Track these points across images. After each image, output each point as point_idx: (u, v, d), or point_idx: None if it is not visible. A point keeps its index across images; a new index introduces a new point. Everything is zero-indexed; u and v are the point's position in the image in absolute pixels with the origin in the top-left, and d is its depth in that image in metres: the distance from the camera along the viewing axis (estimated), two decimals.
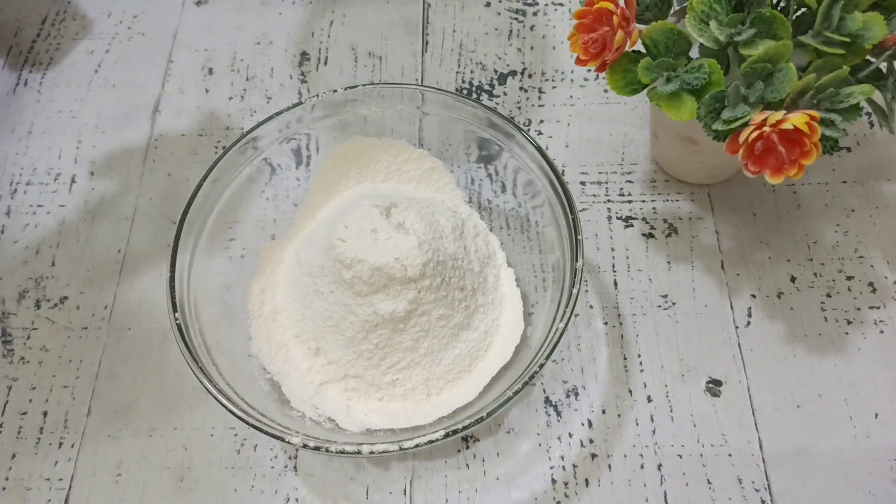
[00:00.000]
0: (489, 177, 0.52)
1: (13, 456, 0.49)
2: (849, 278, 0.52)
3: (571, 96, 0.62)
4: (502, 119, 0.50)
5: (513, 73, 0.63)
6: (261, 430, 0.42)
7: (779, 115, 0.40)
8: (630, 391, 0.50)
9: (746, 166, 0.41)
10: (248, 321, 0.51)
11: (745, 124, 0.41)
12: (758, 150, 0.41)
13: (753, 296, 0.52)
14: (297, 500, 0.47)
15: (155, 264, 0.55)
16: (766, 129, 0.40)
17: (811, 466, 0.46)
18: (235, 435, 0.49)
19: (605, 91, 0.62)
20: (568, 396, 0.50)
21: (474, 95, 0.62)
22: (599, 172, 0.58)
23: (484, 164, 0.48)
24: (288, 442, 0.41)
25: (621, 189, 0.57)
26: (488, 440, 0.49)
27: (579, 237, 0.44)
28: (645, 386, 0.50)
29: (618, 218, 0.56)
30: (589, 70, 0.63)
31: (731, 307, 0.52)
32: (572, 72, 0.63)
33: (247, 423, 0.42)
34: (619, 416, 0.49)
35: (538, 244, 0.47)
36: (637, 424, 0.48)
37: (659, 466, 0.47)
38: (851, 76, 0.42)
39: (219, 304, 0.50)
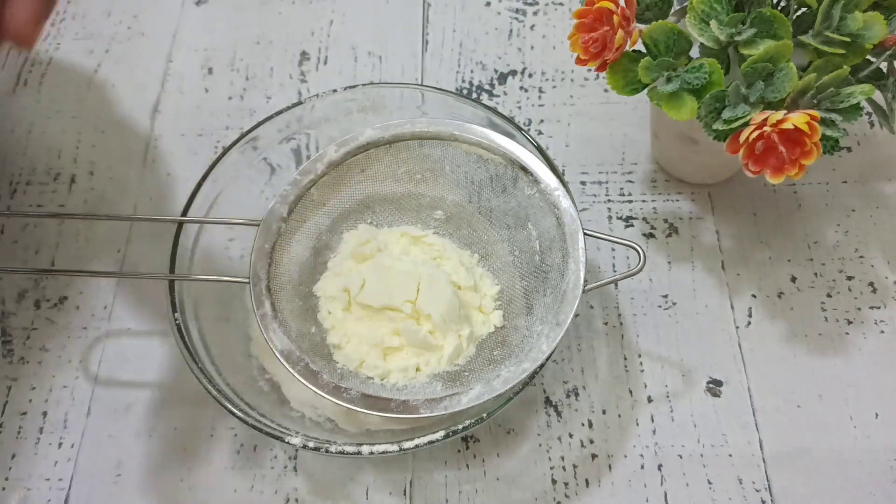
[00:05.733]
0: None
1: (13, 456, 0.49)
2: (849, 278, 0.52)
3: (572, 96, 0.62)
4: (502, 119, 0.50)
5: (513, 72, 0.63)
6: (260, 431, 0.42)
7: (779, 114, 0.40)
8: (630, 391, 0.49)
9: (747, 166, 0.41)
10: (248, 321, 0.51)
11: (746, 124, 0.41)
12: (758, 150, 0.41)
13: (754, 296, 0.52)
14: (296, 500, 0.47)
15: (155, 264, 0.55)
16: (767, 128, 0.40)
17: (811, 466, 0.46)
18: (235, 435, 0.49)
19: (606, 91, 0.61)
20: (568, 397, 0.50)
21: (474, 95, 0.62)
22: (600, 172, 0.58)
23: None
24: (288, 442, 0.41)
25: (621, 189, 0.57)
26: (488, 440, 0.49)
27: (580, 237, 0.44)
28: (645, 386, 0.50)
29: (618, 218, 0.56)
30: (589, 70, 0.62)
31: (732, 307, 0.52)
32: (572, 71, 0.63)
33: (246, 423, 0.42)
34: (619, 416, 0.49)
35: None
36: (637, 425, 0.48)
37: (659, 467, 0.47)
38: (852, 76, 0.42)
39: (218, 305, 0.50)
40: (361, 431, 0.46)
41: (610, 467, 0.47)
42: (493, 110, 0.50)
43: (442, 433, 0.41)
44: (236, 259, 0.53)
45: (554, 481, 0.47)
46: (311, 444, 0.41)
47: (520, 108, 0.61)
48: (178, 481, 0.48)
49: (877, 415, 0.48)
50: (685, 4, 0.45)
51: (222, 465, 0.48)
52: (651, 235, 0.55)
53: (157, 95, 0.64)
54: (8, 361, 0.53)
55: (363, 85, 0.52)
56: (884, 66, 0.44)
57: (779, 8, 0.44)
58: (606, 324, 0.52)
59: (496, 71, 0.63)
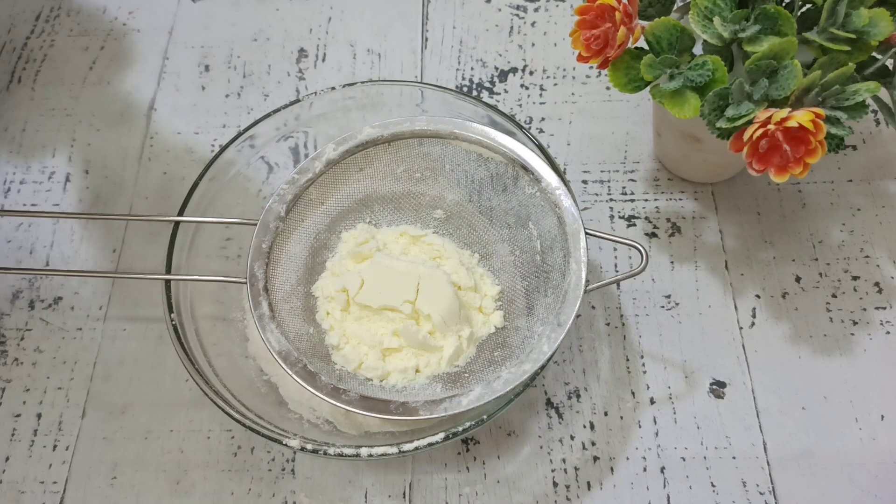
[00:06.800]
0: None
1: (7, 458, 0.49)
2: (854, 278, 0.52)
3: (573, 94, 0.61)
4: (503, 117, 0.50)
5: (514, 70, 0.63)
6: (258, 433, 0.41)
7: (783, 112, 0.39)
8: (632, 393, 0.49)
9: (751, 164, 0.41)
10: (245, 321, 0.50)
11: (750, 122, 0.41)
12: (762, 149, 0.40)
13: (758, 296, 0.52)
14: (294, 503, 0.47)
15: (151, 264, 0.55)
16: (771, 126, 0.39)
17: (816, 469, 0.46)
18: (232, 437, 0.49)
19: (608, 88, 0.61)
20: (570, 398, 0.49)
21: (474, 93, 0.62)
22: (602, 171, 0.57)
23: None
24: (285, 444, 0.41)
25: (624, 188, 0.57)
26: (489, 442, 0.48)
27: (582, 237, 0.44)
28: (648, 388, 0.49)
29: (620, 217, 0.55)
30: (591, 67, 0.62)
31: (735, 307, 0.51)
32: (574, 69, 0.63)
33: (244, 425, 0.41)
34: (621, 418, 0.48)
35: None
36: (640, 427, 0.48)
37: (662, 469, 0.47)
38: (857, 73, 0.42)
39: (215, 305, 0.49)
40: (360, 433, 0.46)
41: (612, 470, 0.47)
42: (494, 108, 0.50)
43: (442, 435, 0.40)
44: (233, 259, 0.52)
45: (555, 484, 0.47)
46: (309, 447, 0.41)
47: (520, 105, 0.61)
48: (174, 484, 0.48)
49: (882, 416, 0.47)
50: (688, 1, 0.44)
51: (219, 468, 0.48)
52: (653, 235, 0.54)
53: (153, 93, 0.64)
54: (2, 363, 0.52)
55: (362, 83, 0.52)
56: (890, 63, 0.43)
57: (783, 4, 0.43)
58: (608, 324, 0.51)
59: (497, 68, 0.63)
